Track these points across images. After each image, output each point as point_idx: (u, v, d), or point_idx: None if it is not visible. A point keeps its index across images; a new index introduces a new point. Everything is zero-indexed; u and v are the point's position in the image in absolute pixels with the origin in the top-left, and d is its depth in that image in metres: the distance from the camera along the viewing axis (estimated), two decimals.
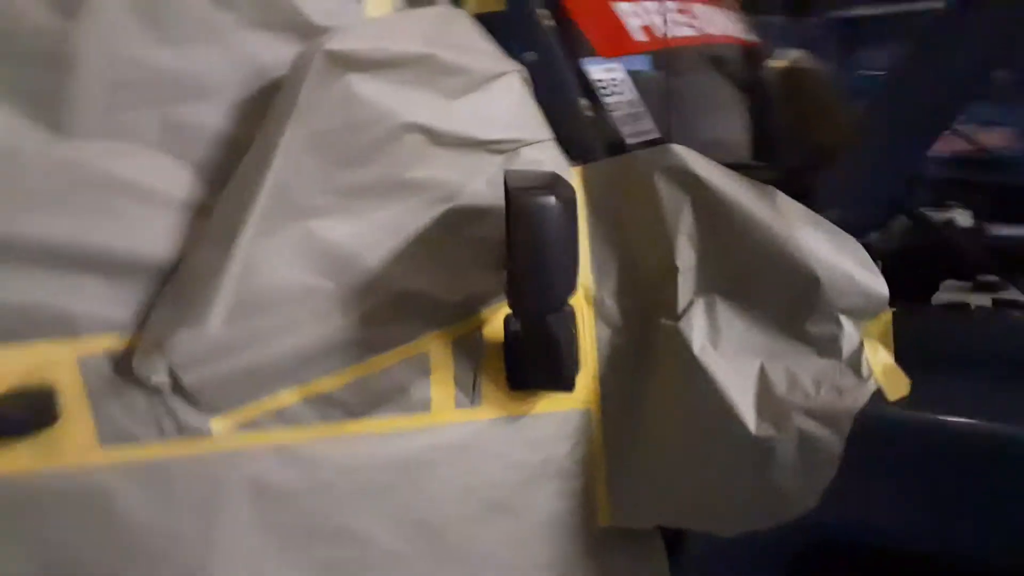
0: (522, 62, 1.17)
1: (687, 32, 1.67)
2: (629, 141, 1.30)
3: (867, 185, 1.14)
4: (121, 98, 0.89)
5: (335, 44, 0.91)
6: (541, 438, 1.12)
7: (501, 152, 1.06)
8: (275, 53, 0.95)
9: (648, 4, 1.62)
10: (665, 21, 1.57)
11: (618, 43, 1.41)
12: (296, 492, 0.98)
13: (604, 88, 1.33)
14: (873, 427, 0.96)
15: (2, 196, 0.84)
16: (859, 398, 0.96)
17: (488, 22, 1.25)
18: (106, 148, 0.88)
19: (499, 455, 1.09)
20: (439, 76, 0.98)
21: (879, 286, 1.02)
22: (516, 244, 0.86)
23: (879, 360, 1.01)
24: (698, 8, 1.81)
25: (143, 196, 0.90)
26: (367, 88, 0.93)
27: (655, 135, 1.35)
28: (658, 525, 1.14)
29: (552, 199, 0.85)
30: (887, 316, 1.03)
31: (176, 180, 0.91)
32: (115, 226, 0.88)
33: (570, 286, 0.91)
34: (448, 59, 0.98)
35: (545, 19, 1.28)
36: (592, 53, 1.36)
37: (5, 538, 0.90)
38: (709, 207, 1.05)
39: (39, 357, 0.87)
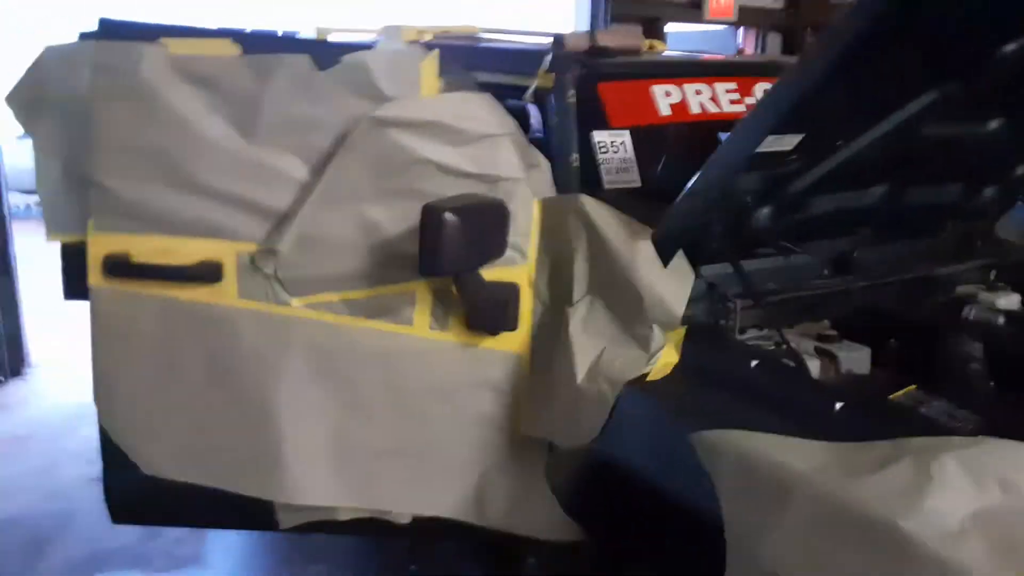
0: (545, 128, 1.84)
1: (730, 110, 2.15)
2: (607, 187, 1.87)
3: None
4: (281, 126, 1.73)
5: (382, 112, 1.65)
6: (485, 362, 1.78)
7: (485, 182, 1.72)
8: (363, 109, 1.71)
9: (698, 85, 2.14)
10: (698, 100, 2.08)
11: (630, 119, 1.97)
12: (328, 350, 1.77)
13: (603, 148, 1.92)
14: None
15: (215, 167, 1.72)
16: (635, 374, 1.50)
17: (539, 97, 1.93)
18: (269, 150, 1.72)
19: (452, 364, 1.78)
20: (447, 133, 1.68)
21: (677, 309, 1.52)
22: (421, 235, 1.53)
23: (667, 358, 1.53)
24: (767, 87, 2.25)
25: (279, 176, 1.73)
26: (399, 136, 1.66)
27: (633, 184, 1.90)
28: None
29: (443, 212, 1.49)
30: (681, 331, 1.53)
31: (298, 169, 1.73)
32: (264, 189, 1.72)
33: (450, 264, 1.54)
34: (453, 124, 1.68)
35: (571, 97, 1.91)
36: (606, 124, 1.96)
37: (188, 339, 1.80)
38: (595, 239, 1.63)
39: (217, 247, 1.75)
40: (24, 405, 3.99)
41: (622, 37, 2.35)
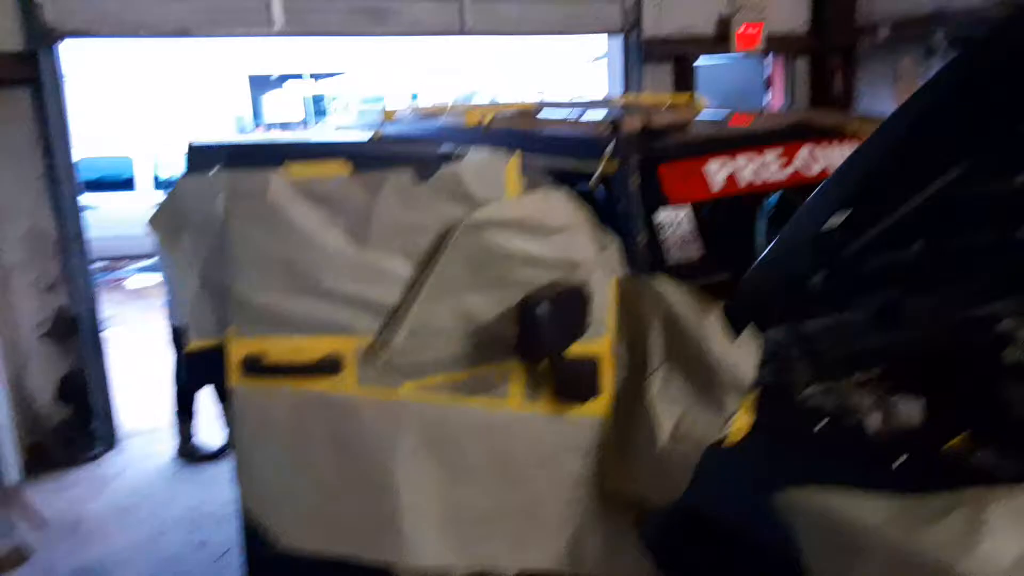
0: (611, 210, 2.06)
1: (777, 176, 2.35)
2: (671, 263, 2.08)
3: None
4: (389, 232, 1.96)
5: (476, 216, 1.88)
6: (575, 427, 1.99)
7: (566, 267, 1.94)
8: (459, 212, 1.94)
9: (745, 156, 2.34)
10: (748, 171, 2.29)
11: (688, 195, 2.19)
12: (437, 427, 1.99)
13: (665, 226, 2.13)
14: None
15: (334, 272, 1.96)
16: (714, 437, 1.70)
17: (606, 180, 2.15)
18: (379, 254, 1.96)
19: (545, 432, 1.99)
20: (531, 229, 1.91)
21: (748, 376, 1.72)
22: (520, 326, 1.76)
23: (742, 422, 1.72)
24: (810, 150, 2.45)
25: (389, 276, 1.96)
26: (492, 236, 1.89)
27: (695, 257, 2.11)
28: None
29: (536, 306, 1.72)
30: (752, 395, 1.73)
31: (404, 268, 1.97)
32: (376, 288, 1.96)
33: (546, 348, 1.78)
34: (536, 220, 1.90)
35: (635, 180, 2.13)
36: (666, 202, 2.17)
37: (316, 424, 2.05)
38: (667, 313, 1.84)
39: (338, 343, 1.99)
40: (123, 476, 4.24)
41: (671, 115, 2.58)
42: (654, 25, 5.76)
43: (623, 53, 5.83)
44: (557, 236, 1.92)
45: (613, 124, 2.36)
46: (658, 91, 5.71)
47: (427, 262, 1.93)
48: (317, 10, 4.73)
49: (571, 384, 1.95)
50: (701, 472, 1.70)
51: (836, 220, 1.74)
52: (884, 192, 1.78)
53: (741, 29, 6.00)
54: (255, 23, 4.55)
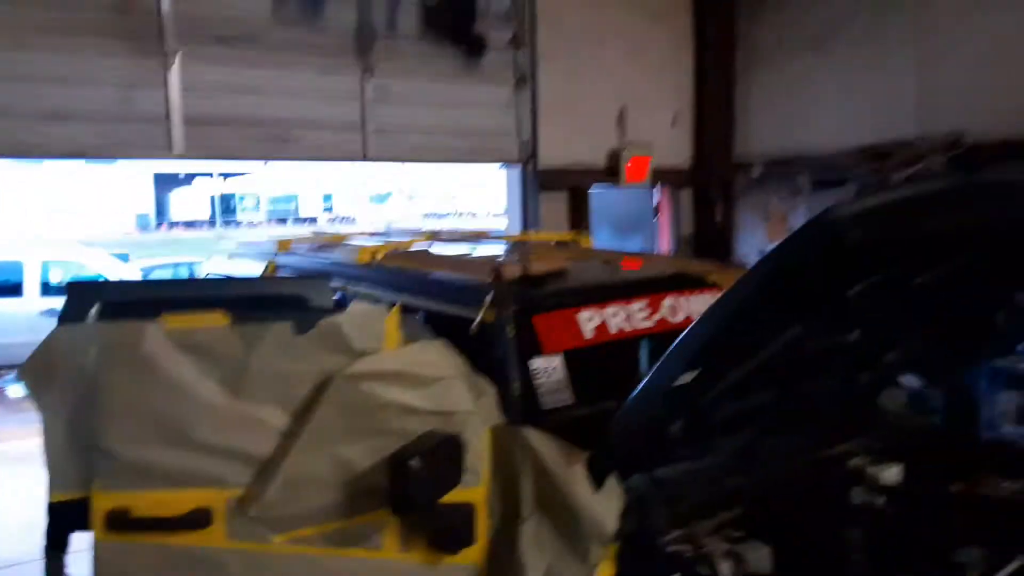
0: (489, 357, 2.17)
1: (645, 324, 2.53)
2: (544, 407, 2.20)
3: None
4: (265, 382, 2.01)
5: (355, 368, 1.95)
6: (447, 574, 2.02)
7: (442, 416, 2.02)
8: (337, 363, 2.00)
9: (614, 308, 2.52)
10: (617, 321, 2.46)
11: (560, 343, 2.33)
12: None
13: (539, 373, 2.26)
14: None
15: (206, 424, 1.98)
16: None
17: (484, 330, 2.27)
18: (254, 405, 2.00)
19: None
20: (408, 379, 1.99)
21: (611, 526, 1.82)
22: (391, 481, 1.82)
23: (605, 572, 1.81)
24: (674, 300, 2.65)
25: (262, 426, 1.99)
26: (369, 387, 1.96)
27: (567, 402, 2.24)
28: None
29: (408, 461, 1.79)
30: (614, 545, 1.83)
31: (279, 419, 2.00)
32: (249, 439, 1.98)
33: (417, 501, 1.84)
34: (413, 371, 1.99)
35: (510, 332, 2.26)
36: (540, 350, 2.31)
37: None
38: (537, 463, 1.93)
39: (208, 495, 1.98)
40: None
41: (549, 261, 2.76)
42: (549, 156, 6.13)
43: (521, 181, 6.15)
44: (434, 386, 2.01)
45: (495, 271, 2.51)
46: (553, 216, 6.02)
47: (303, 412, 1.97)
48: (218, 135, 4.82)
49: (446, 533, 1.99)
50: None
51: (689, 376, 1.90)
52: (729, 350, 1.96)
53: (629, 163, 6.45)
54: (155, 147, 4.60)
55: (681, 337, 1.82)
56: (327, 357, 1.98)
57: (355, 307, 2.05)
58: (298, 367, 1.98)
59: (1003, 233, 1.87)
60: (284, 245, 3.63)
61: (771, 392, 2.36)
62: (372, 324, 2.02)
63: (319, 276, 2.95)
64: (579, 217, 6.28)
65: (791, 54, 6.26)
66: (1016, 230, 1.84)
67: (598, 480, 1.89)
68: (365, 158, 5.38)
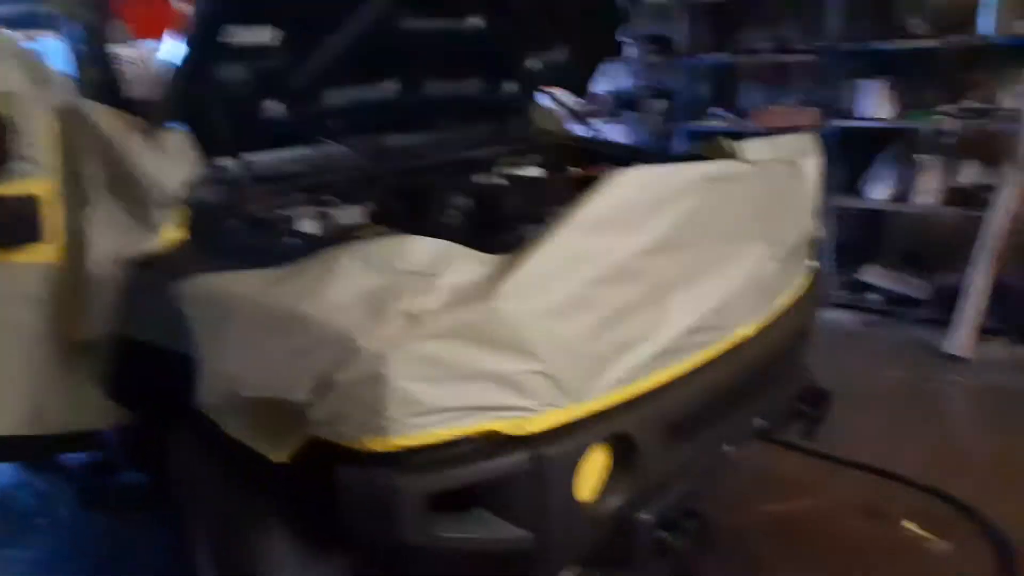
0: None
1: None
2: (130, 95, 1.96)
3: None
4: None
5: None
6: (19, 275, 1.78)
7: None
8: None
9: None
10: None
11: (152, 30, 2.08)
12: None
13: (124, 61, 2.00)
14: None
15: None
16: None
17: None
18: None
19: None
20: None
21: (173, 189, 1.68)
22: None
23: (169, 235, 1.69)
24: None
25: None
26: None
27: (156, 93, 2.01)
28: None
29: None
30: (185, 210, 1.71)
31: None
32: None
33: None
34: None
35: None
36: (127, 37, 2.05)
37: None
38: (102, 140, 1.72)
39: None
40: None
41: None
42: None
43: None
44: None
45: None
46: None
47: None
48: None
49: (6, 227, 1.77)
50: (132, 296, 1.65)
51: (259, 39, 1.76)
52: (311, 15, 1.81)
53: None
54: None
55: None
56: None
57: None
58: None
59: None
60: None
61: (395, 86, 2.28)
62: None
63: None
64: None
65: None
66: None
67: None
68: None
